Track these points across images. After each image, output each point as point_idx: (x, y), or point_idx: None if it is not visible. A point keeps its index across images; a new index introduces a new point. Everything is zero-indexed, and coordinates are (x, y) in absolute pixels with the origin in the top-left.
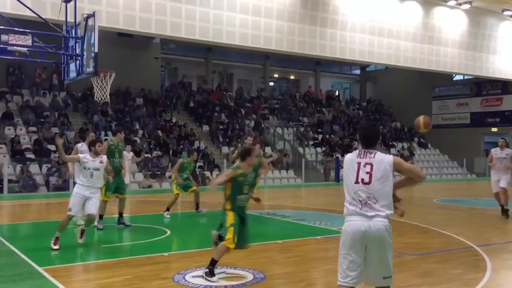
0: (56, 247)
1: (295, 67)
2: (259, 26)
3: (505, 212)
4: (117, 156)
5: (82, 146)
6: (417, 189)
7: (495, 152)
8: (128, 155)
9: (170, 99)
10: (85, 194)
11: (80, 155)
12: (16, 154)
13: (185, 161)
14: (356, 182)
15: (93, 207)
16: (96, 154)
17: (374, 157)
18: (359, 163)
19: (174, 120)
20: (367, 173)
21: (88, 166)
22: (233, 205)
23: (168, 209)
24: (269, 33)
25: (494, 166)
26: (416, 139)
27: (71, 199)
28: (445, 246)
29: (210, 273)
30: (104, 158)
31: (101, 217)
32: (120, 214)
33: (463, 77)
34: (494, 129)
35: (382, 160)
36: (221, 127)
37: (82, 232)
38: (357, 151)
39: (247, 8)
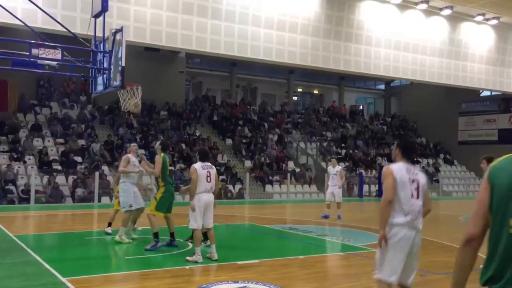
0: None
1: (319, 82)
2: (284, 41)
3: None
4: None
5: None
6: (443, 207)
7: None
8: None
9: (194, 113)
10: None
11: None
12: (44, 165)
13: None
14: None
15: None
16: None
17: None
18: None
19: (197, 133)
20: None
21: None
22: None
23: None
24: (293, 47)
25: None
26: (442, 156)
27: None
28: None
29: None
30: None
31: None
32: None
33: (491, 93)
34: None
35: None
36: (244, 140)
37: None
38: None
39: (271, 23)
